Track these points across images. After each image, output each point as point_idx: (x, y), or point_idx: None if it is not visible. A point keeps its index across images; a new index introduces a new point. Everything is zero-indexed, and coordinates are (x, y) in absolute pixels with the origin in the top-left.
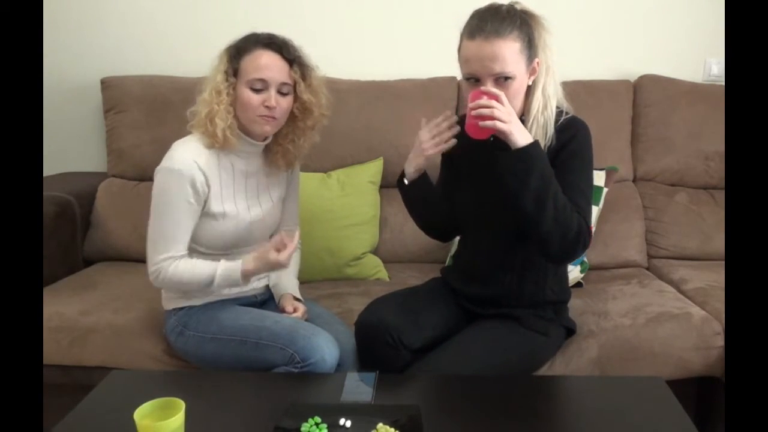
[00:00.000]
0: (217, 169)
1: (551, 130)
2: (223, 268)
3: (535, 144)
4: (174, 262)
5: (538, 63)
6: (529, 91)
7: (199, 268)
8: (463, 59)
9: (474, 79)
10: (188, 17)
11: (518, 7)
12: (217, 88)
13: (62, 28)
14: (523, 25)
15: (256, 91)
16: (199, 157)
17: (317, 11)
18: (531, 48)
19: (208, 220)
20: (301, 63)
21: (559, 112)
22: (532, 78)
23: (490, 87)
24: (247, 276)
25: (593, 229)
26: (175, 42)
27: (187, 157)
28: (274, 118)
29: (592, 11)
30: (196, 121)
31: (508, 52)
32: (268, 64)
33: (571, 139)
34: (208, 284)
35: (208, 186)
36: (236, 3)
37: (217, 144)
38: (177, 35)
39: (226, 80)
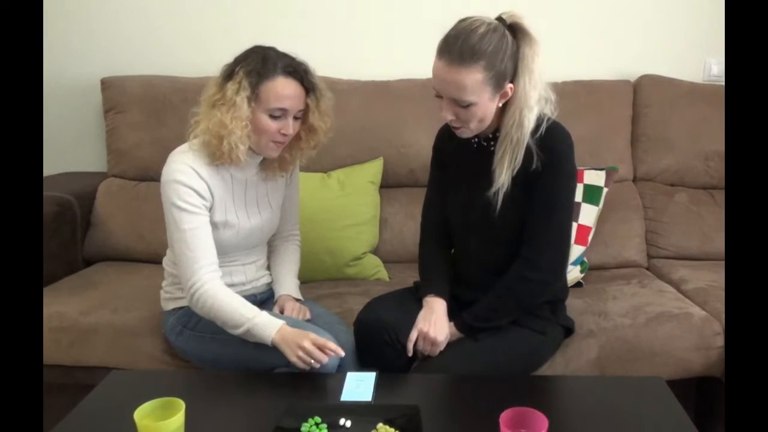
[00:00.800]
0: (216, 180)
1: (521, 154)
2: (261, 323)
3: (474, 318)
4: (211, 280)
5: (511, 88)
6: (506, 106)
7: (237, 309)
8: (432, 72)
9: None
10: (188, 17)
11: (508, 21)
12: (240, 115)
13: (62, 28)
14: (497, 52)
15: (275, 118)
16: (200, 167)
17: (317, 11)
18: (499, 78)
19: None
20: (315, 89)
21: (540, 120)
22: (503, 100)
23: (448, 107)
24: (273, 344)
25: (593, 229)
26: (175, 42)
27: (188, 167)
28: (284, 143)
29: (592, 11)
30: (206, 139)
31: (469, 81)
32: (290, 95)
33: (551, 159)
34: (236, 327)
35: (212, 194)
36: (236, 4)
37: (223, 161)
38: (177, 35)
39: (249, 106)
